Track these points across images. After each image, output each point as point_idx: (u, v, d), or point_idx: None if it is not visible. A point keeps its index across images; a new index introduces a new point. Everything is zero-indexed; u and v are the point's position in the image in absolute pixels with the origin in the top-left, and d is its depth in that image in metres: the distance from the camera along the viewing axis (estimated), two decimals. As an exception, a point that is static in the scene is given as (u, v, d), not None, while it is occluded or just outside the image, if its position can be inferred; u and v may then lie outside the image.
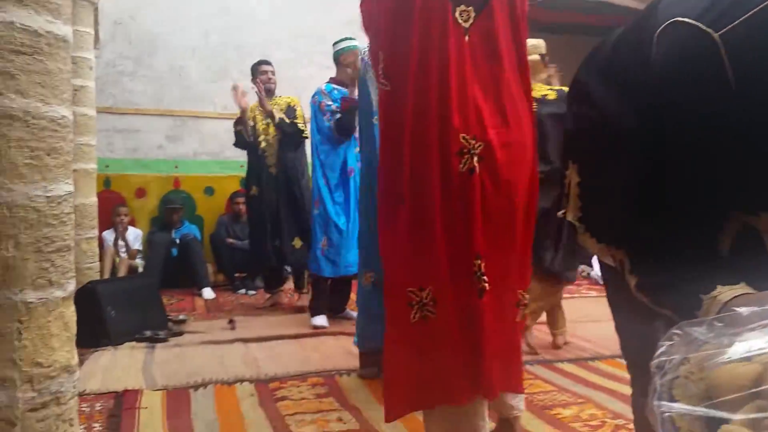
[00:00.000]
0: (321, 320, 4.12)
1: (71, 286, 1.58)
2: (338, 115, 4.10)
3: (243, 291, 5.56)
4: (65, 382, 1.53)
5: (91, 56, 4.37)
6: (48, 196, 1.51)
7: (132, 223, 6.01)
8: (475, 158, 1.71)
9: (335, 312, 4.36)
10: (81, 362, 3.24)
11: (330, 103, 4.17)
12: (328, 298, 4.32)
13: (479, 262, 1.72)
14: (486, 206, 1.72)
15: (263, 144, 4.80)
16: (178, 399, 2.72)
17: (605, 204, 1.11)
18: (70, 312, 1.58)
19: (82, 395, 2.75)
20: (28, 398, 1.46)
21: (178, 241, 5.72)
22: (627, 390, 2.74)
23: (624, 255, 1.03)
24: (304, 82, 6.57)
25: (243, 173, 6.45)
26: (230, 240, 5.91)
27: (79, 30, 4.07)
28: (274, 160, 4.78)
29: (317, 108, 4.24)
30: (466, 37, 1.73)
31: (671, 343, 0.79)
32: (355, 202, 4.08)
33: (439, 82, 1.71)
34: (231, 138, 6.43)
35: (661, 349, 0.80)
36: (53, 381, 1.50)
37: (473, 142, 1.72)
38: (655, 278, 0.97)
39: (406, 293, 1.74)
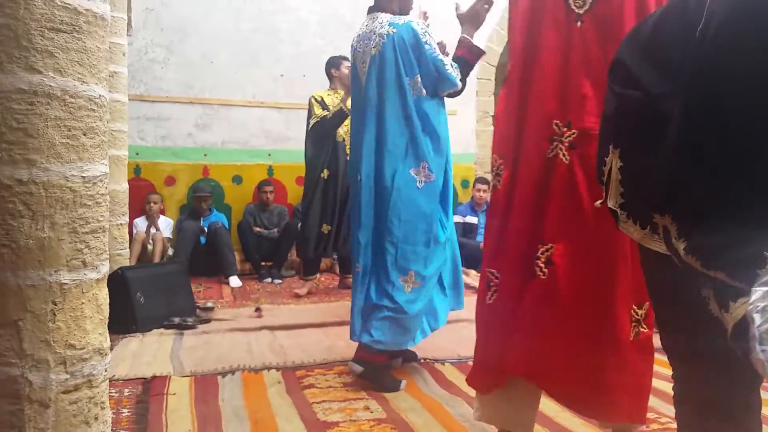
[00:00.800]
0: None
1: (105, 268, 1.57)
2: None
3: (269, 280, 5.57)
4: (97, 364, 1.53)
5: (124, 42, 4.38)
6: (84, 176, 1.50)
7: (162, 211, 6.06)
8: (566, 145, 1.72)
9: None
10: (110, 348, 3.29)
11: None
12: None
13: (544, 247, 1.73)
14: (573, 195, 1.70)
15: (342, 132, 4.80)
16: (205, 385, 2.73)
17: (650, 175, 1.07)
18: (103, 294, 1.58)
19: (110, 381, 2.77)
20: (61, 380, 1.45)
21: (206, 229, 5.75)
22: (656, 383, 2.71)
23: (670, 221, 1.02)
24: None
25: (270, 162, 6.50)
26: (257, 228, 5.92)
27: (113, 15, 4.09)
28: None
29: None
30: (579, 23, 1.72)
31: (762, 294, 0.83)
32: None
33: (540, 67, 1.75)
34: (259, 126, 6.50)
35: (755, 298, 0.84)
36: (86, 363, 1.50)
37: (565, 129, 1.73)
38: (708, 239, 0.95)
39: (486, 274, 1.86)
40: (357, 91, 2.87)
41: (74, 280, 1.48)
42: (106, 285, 1.60)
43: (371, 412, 2.42)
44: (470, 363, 3.01)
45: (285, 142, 6.57)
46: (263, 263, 5.79)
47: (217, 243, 5.55)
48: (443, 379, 2.86)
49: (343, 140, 4.80)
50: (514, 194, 1.80)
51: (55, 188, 1.44)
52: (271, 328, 3.73)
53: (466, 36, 2.77)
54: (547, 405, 2.25)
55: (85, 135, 1.51)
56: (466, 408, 2.46)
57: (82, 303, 1.49)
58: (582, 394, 1.76)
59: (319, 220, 4.80)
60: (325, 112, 4.73)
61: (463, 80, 2.77)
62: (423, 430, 2.25)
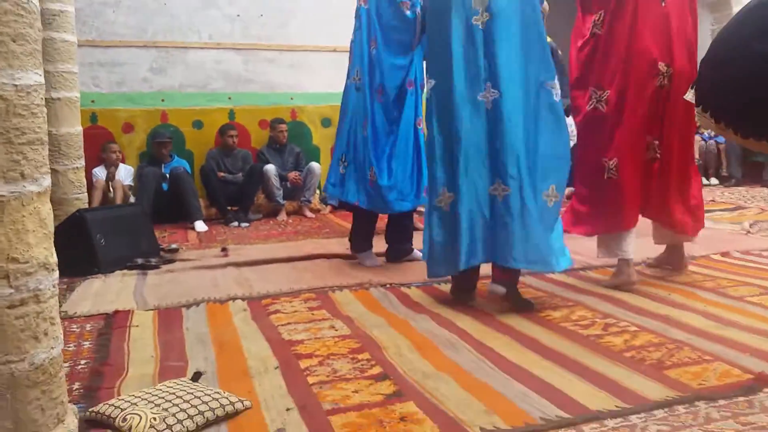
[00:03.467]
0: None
1: (46, 182, 1.51)
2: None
3: (236, 224, 5.50)
4: (44, 279, 1.48)
5: (68, -21, 4.18)
6: (16, 85, 1.43)
7: (121, 159, 5.91)
8: (666, 79, 2.90)
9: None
10: (71, 290, 3.24)
11: None
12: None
13: (656, 141, 2.98)
14: (667, 110, 2.94)
15: None
16: (169, 317, 2.70)
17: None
18: (47, 209, 1.52)
19: (71, 317, 2.73)
20: (5, 295, 1.41)
21: (168, 175, 5.63)
22: (618, 294, 2.81)
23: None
24: (290, 5, 6.41)
25: (231, 105, 6.36)
26: (221, 174, 5.82)
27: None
28: None
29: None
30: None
31: None
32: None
33: (643, 22, 2.86)
34: (217, 69, 6.32)
35: None
36: (31, 278, 1.45)
37: (665, 68, 2.90)
38: None
39: (602, 162, 2.93)
40: None
41: (12, 192, 1.42)
42: (48, 200, 1.54)
43: (336, 330, 2.43)
44: (435, 286, 3.09)
45: (246, 85, 6.43)
46: (229, 207, 5.71)
47: (181, 188, 5.45)
48: (409, 300, 2.88)
49: None
50: (624, 111, 2.88)
51: (-16, 95, 1.37)
52: (238, 265, 3.70)
53: None
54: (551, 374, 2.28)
55: (14, 42, 1.43)
56: (430, 323, 2.49)
57: (23, 216, 1.44)
58: (677, 216, 3.03)
59: None
60: None
61: None
62: (387, 342, 2.27)
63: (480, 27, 2.63)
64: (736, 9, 8.35)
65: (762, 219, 4.88)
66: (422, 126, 3.43)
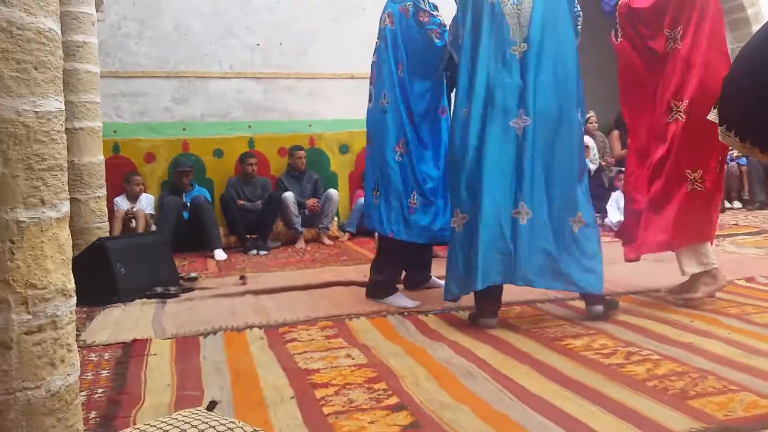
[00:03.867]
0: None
1: (65, 208, 1.53)
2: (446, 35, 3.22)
3: (255, 252, 5.53)
4: (61, 305, 1.49)
5: (92, 11, 4.30)
6: (37, 111, 1.46)
7: (143, 189, 5.99)
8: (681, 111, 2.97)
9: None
10: (91, 318, 3.27)
11: (434, 14, 3.30)
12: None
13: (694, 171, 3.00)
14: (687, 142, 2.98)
15: None
16: (187, 345, 2.71)
17: None
18: (65, 235, 1.53)
19: (90, 347, 2.74)
20: (23, 321, 1.42)
21: (189, 204, 5.69)
22: (639, 321, 2.76)
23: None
24: (308, 35, 6.51)
25: (251, 134, 6.44)
26: (241, 201, 5.87)
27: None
28: None
29: (410, 15, 3.26)
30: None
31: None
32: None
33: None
34: (237, 98, 6.41)
35: None
36: (49, 304, 1.46)
37: (679, 103, 2.98)
38: None
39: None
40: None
41: (32, 218, 1.44)
42: (67, 225, 1.56)
43: (353, 359, 2.40)
44: (453, 313, 3.06)
45: (265, 113, 6.51)
46: (248, 235, 5.75)
47: (201, 217, 5.50)
48: (426, 328, 2.85)
49: None
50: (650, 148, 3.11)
51: (6, 123, 1.40)
52: (255, 293, 3.71)
53: None
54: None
55: (36, 69, 1.46)
56: (447, 351, 2.46)
57: (42, 242, 1.45)
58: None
59: None
60: None
61: None
62: (403, 371, 2.24)
63: (517, 57, 2.75)
64: (755, 27, 8.34)
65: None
66: None
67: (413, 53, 3.25)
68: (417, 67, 3.26)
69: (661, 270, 3.70)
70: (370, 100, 3.45)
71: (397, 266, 3.47)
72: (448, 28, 3.16)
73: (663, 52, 3.04)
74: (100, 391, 2.18)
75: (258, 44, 6.49)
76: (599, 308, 2.87)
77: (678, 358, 2.29)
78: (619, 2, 3.12)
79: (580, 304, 3.13)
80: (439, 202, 3.28)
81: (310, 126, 6.65)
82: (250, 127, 6.49)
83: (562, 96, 2.76)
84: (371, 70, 3.48)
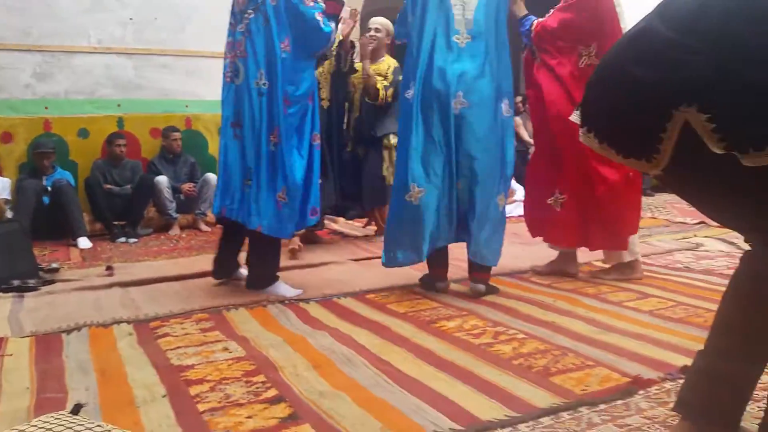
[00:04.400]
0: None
1: None
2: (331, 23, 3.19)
3: (123, 240, 5.24)
4: None
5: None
6: None
7: (-1, 171, 5.51)
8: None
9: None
10: (-63, 315, 2.96)
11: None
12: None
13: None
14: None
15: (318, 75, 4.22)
16: (48, 344, 2.53)
17: None
18: None
19: (-64, 348, 2.49)
20: None
21: (49, 188, 5.30)
22: (507, 302, 2.92)
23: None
24: (186, 11, 6.22)
25: (120, 113, 6.06)
26: (108, 186, 5.53)
27: None
28: (326, 94, 4.56)
29: None
30: None
31: None
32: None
33: None
34: (107, 75, 6.01)
35: None
36: None
37: None
38: None
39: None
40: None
41: None
42: None
43: (230, 352, 2.35)
44: (335, 300, 3.08)
45: (136, 91, 6.15)
46: (116, 222, 5.44)
47: (63, 202, 5.13)
48: (307, 316, 2.85)
49: (318, 83, 4.06)
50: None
51: None
52: (124, 285, 3.51)
53: None
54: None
55: None
56: (328, 339, 2.47)
57: None
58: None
59: None
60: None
61: None
62: (283, 362, 2.22)
63: (460, 45, 3.03)
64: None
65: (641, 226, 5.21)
66: (317, 142, 3.25)
67: (298, 34, 3.11)
68: (300, 49, 3.13)
69: (527, 251, 3.92)
70: (236, 76, 3.17)
71: (278, 255, 3.38)
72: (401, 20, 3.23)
73: (578, 70, 3.25)
74: (-54, 399, 2.00)
75: (131, 18, 6.11)
76: (481, 287, 3.13)
77: (542, 336, 2.45)
78: (533, 24, 3.38)
79: (453, 286, 3.26)
80: (306, 189, 3.18)
81: (186, 107, 6.36)
82: (119, 106, 6.11)
83: (497, 82, 3.07)
84: (233, 41, 3.20)
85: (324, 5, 3.16)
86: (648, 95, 1.27)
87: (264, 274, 3.30)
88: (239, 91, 3.17)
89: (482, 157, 3.04)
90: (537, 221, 3.50)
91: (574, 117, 1.47)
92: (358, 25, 4.48)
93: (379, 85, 4.63)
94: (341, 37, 4.15)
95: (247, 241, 3.39)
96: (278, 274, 3.34)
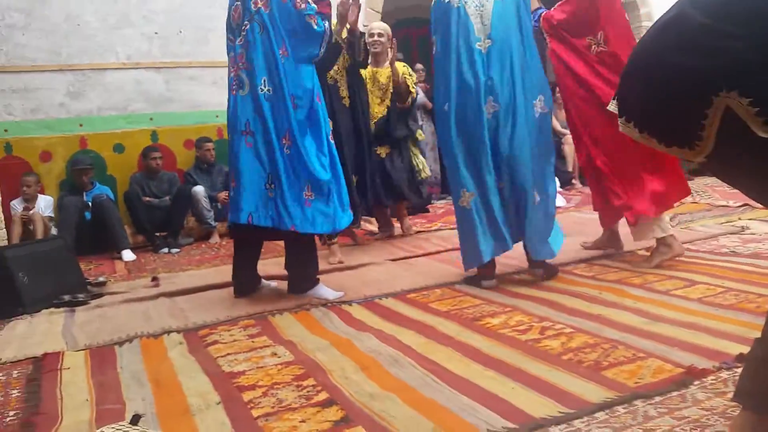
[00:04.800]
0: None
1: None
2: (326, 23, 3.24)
3: (166, 250, 5.36)
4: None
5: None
6: None
7: (40, 190, 5.66)
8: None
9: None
10: (-5, 332, 3.07)
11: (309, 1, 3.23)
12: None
13: None
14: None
15: (333, 72, 4.29)
16: (102, 356, 2.60)
17: None
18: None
19: (-3, 365, 2.58)
20: None
21: (90, 203, 5.43)
22: (551, 296, 2.90)
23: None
24: (209, 22, 6.29)
25: (153, 126, 6.18)
26: (147, 198, 5.65)
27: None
28: (345, 92, 4.43)
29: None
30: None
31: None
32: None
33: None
34: (137, 90, 6.13)
35: None
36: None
37: None
38: None
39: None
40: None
41: None
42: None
43: (278, 357, 2.39)
44: (376, 301, 3.10)
45: (167, 105, 6.27)
46: (157, 233, 5.55)
47: (105, 217, 5.26)
48: (350, 318, 2.87)
49: (336, 82, 4.36)
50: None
51: None
52: (170, 295, 3.59)
53: None
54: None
55: None
56: (373, 341, 2.48)
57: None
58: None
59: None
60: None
61: None
62: (331, 365, 2.25)
63: (482, 51, 3.14)
64: (643, 10, 8.73)
65: (681, 212, 5.12)
66: (332, 141, 3.29)
67: (293, 38, 3.15)
68: (299, 53, 3.17)
69: (569, 243, 3.88)
70: (241, 88, 3.21)
71: (315, 257, 3.41)
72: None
73: (589, 54, 3.46)
74: (11, 413, 2.06)
75: (156, 33, 6.23)
76: (539, 271, 3.30)
77: (590, 330, 2.42)
78: (542, 16, 3.61)
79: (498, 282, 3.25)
80: (333, 188, 3.21)
81: (217, 117, 6.43)
82: (151, 119, 6.24)
83: (525, 84, 3.16)
84: (234, 55, 3.26)
85: (316, 6, 3.19)
86: (686, 82, 1.25)
87: (305, 276, 3.33)
88: (246, 101, 3.20)
89: (520, 156, 3.12)
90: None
91: (612, 107, 1.46)
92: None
93: (409, 81, 4.68)
94: (348, 27, 4.11)
95: (271, 248, 3.43)
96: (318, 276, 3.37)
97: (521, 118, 3.14)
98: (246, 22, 3.19)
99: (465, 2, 3.16)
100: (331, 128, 3.94)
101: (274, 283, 3.54)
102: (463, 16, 3.16)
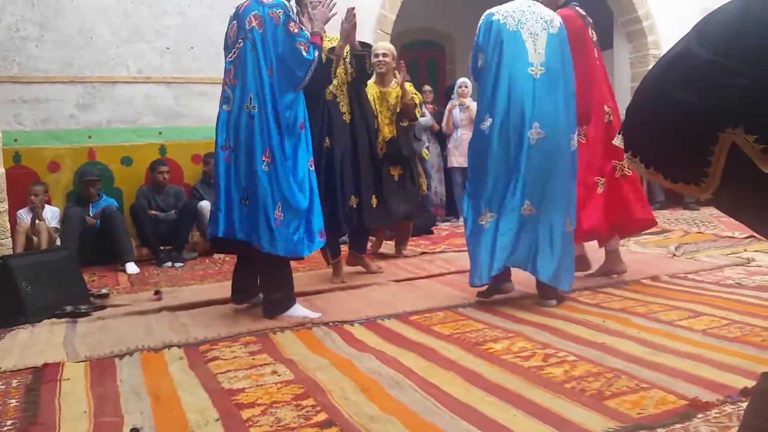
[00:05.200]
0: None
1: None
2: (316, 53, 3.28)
3: (169, 264, 5.35)
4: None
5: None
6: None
7: (48, 200, 5.68)
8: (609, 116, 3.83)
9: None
10: (-4, 341, 3.06)
11: (303, 27, 3.33)
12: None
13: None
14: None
15: (332, 88, 4.21)
16: (102, 368, 2.59)
17: None
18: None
19: (-3, 374, 2.57)
20: None
21: (94, 215, 5.45)
22: (555, 323, 2.88)
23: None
24: (221, 39, 6.33)
25: (162, 140, 6.22)
26: (153, 212, 5.66)
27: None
28: (346, 107, 4.27)
29: (280, 22, 3.20)
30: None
31: None
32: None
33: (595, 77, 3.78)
34: (147, 104, 6.18)
35: None
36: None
37: (608, 109, 3.83)
38: None
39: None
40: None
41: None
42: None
43: (278, 376, 2.37)
44: (378, 322, 3.08)
45: (177, 119, 6.31)
46: (162, 247, 5.55)
47: (113, 228, 5.26)
48: (352, 338, 2.85)
49: (335, 97, 4.24)
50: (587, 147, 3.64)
51: None
52: (172, 309, 3.58)
53: None
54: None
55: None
56: (374, 362, 2.47)
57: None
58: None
59: (342, 194, 4.13)
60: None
61: None
62: (331, 386, 2.23)
63: (534, 77, 3.21)
64: (650, 38, 8.78)
65: (686, 242, 5.11)
66: (312, 168, 3.32)
67: (281, 61, 3.20)
68: (284, 76, 3.21)
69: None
70: (227, 103, 3.27)
71: (289, 276, 3.38)
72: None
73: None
74: (9, 423, 2.05)
75: (168, 48, 6.29)
76: (552, 302, 3.28)
77: (593, 358, 2.40)
78: None
79: (499, 307, 3.24)
80: (309, 212, 3.25)
81: (225, 132, 6.50)
82: (160, 133, 6.27)
83: (568, 115, 3.28)
84: (227, 70, 3.31)
85: (309, 35, 3.26)
86: (691, 119, 1.25)
87: (279, 298, 3.30)
88: (230, 117, 3.26)
89: (554, 184, 3.20)
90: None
91: (617, 141, 1.46)
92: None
93: (416, 99, 4.72)
94: (347, 46, 4.13)
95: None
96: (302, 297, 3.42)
97: (563, 149, 3.24)
98: (240, 40, 3.26)
99: (521, 27, 3.24)
100: (328, 145, 4.09)
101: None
102: (519, 40, 3.23)
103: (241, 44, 3.24)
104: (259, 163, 3.15)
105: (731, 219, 1.74)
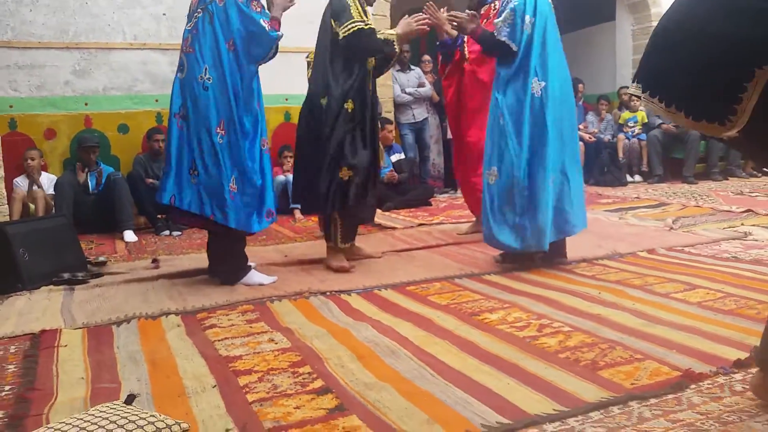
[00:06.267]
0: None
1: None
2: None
3: (167, 232, 5.35)
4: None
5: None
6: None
7: (44, 167, 5.65)
8: None
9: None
10: (-7, 307, 3.07)
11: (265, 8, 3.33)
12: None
13: None
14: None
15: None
16: (99, 335, 2.60)
17: None
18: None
19: (-6, 340, 2.58)
20: None
21: (91, 181, 5.43)
22: (551, 294, 2.89)
23: None
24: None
25: (158, 108, 6.16)
26: (150, 180, 5.64)
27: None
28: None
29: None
30: None
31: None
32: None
33: None
34: (143, 70, 6.11)
35: None
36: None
37: None
38: None
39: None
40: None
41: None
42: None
43: (275, 344, 2.39)
44: (375, 292, 3.09)
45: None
46: (159, 216, 5.54)
47: (116, 194, 5.26)
48: (349, 308, 2.86)
49: (369, 72, 3.85)
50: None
51: None
52: (170, 277, 3.60)
53: None
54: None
55: None
56: (371, 331, 2.48)
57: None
58: None
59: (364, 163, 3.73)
60: (369, 23, 3.59)
61: None
62: (328, 353, 2.25)
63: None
64: (654, 10, 8.68)
65: (684, 215, 5.12)
66: (266, 147, 3.33)
67: (244, 37, 3.19)
68: (245, 52, 3.21)
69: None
70: (180, 71, 3.30)
71: (242, 243, 3.43)
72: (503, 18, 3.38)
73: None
74: (7, 388, 2.07)
75: (164, 14, 6.20)
76: (565, 259, 3.55)
77: (588, 329, 2.42)
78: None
79: (494, 278, 3.25)
80: (261, 192, 3.27)
81: (222, 100, 6.45)
82: (157, 101, 6.22)
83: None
84: (185, 38, 3.31)
85: (270, 15, 3.28)
86: (727, 53, 1.19)
87: (233, 266, 3.37)
88: (183, 84, 3.27)
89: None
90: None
91: (631, 89, 1.42)
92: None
93: None
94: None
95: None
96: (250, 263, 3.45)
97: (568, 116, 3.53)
98: (199, 10, 3.26)
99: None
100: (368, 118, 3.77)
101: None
102: (552, 16, 3.48)
103: (200, 14, 3.24)
104: (215, 135, 3.18)
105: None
